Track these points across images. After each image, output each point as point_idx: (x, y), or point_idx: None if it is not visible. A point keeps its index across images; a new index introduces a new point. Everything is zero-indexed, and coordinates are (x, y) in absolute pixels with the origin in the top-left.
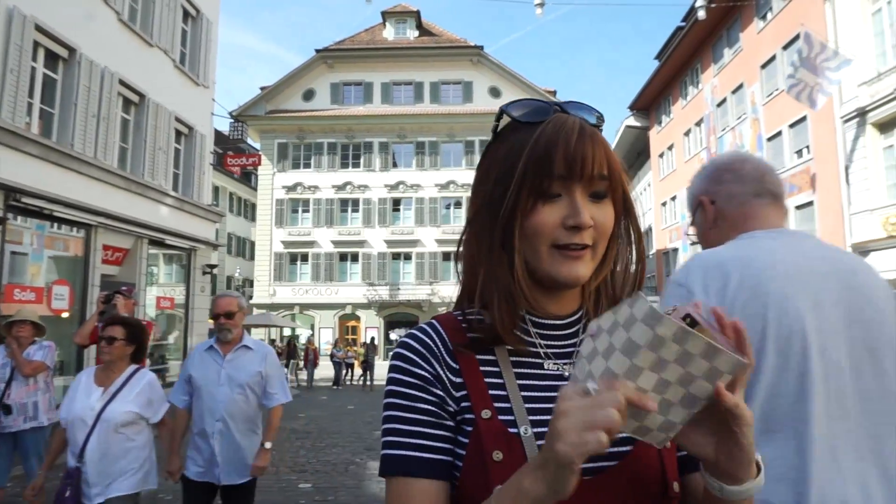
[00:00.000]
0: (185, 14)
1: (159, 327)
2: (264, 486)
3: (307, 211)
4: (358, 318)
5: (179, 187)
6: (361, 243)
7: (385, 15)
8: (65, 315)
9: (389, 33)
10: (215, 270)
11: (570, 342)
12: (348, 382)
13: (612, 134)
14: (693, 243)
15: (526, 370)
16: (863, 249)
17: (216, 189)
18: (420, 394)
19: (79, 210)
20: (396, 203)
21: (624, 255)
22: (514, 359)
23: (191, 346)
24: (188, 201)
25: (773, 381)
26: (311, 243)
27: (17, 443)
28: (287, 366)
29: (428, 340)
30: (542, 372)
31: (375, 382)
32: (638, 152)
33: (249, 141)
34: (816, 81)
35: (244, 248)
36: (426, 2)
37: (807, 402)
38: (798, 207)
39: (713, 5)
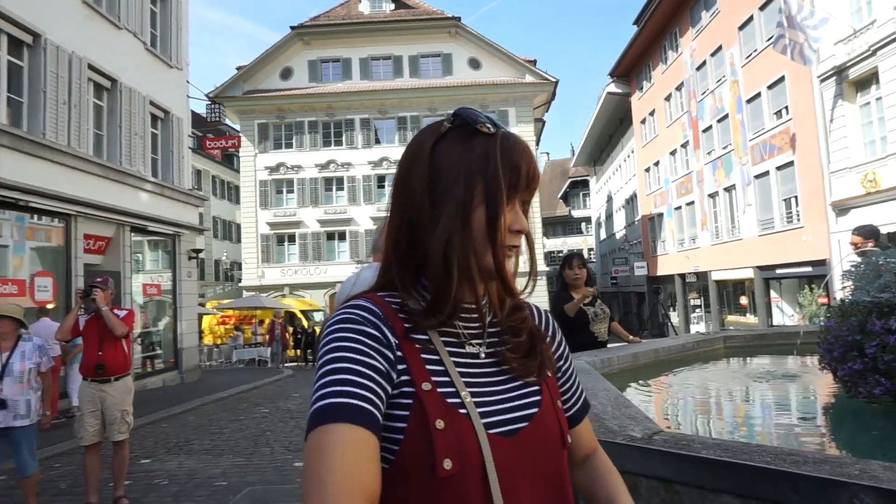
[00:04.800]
0: None
1: (147, 314)
2: (260, 467)
3: (291, 191)
4: None
5: (159, 172)
6: (348, 221)
7: None
8: (49, 306)
9: (365, 7)
10: (202, 255)
11: (478, 325)
12: None
13: (594, 101)
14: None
15: (453, 349)
16: (843, 207)
17: (198, 173)
18: (374, 351)
19: (56, 200)
20: (381, 180)
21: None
22: (442, 339)
23: (180, 332)
24: (169, 186)
25: None
26: (298, 223)
27: (7, 437)
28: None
29: (375, 309)
30: (464, 351)
31: None
32: (620, 119)
33: (229, 122)
34: (803, 38)
35: (230, 231)
36: None
37: None
38: (779, 168)
39: None
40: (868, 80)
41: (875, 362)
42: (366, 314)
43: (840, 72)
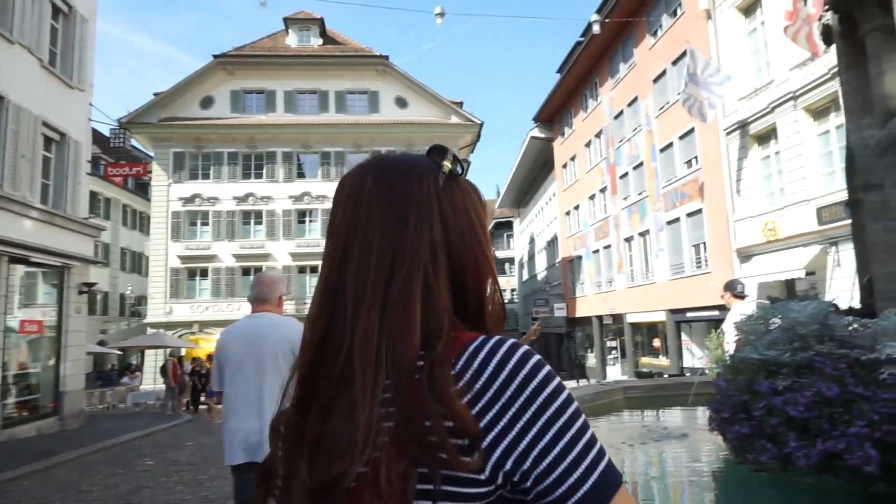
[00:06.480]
0: (55, 10)
1: (27, 353)
2: None
3: (206, 224)
4: None
5: (49, 199)
6: (265, 257)
7: (288, 21)
8: None
9: (292, 40)
10: (106, 288)
11: None
12: None
13: (519, 144)
14: None
15: None
16: (746, 254)
17: (107, 201)
18: None
19: None
20: (302, 215)
21: None
22: None
23: (63, 373)
24: (59, 214)
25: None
26: (212, 257)
27: None
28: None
29: None
30: None
31: None
32: (543, 163)
33: (142, 149)
34: (704, 96)
35: (140, 264)
36: (330, 10)
37: (232, 385)
38: (689, 215)
39: (607, 20)
40: (768, 135)
41: (762, 426)
42: None
43: (743, 126)
